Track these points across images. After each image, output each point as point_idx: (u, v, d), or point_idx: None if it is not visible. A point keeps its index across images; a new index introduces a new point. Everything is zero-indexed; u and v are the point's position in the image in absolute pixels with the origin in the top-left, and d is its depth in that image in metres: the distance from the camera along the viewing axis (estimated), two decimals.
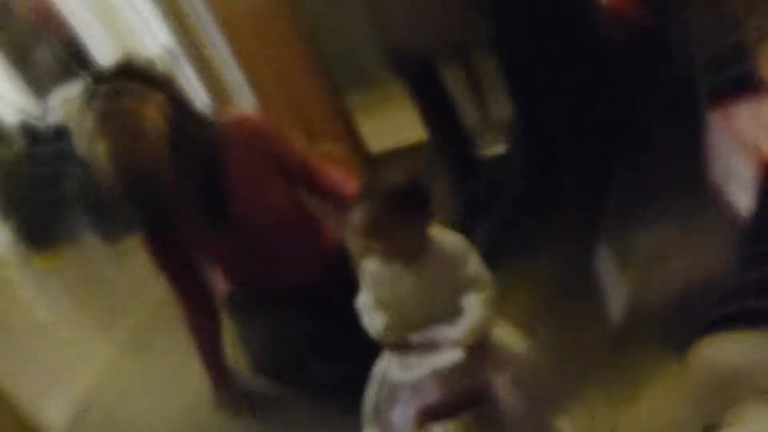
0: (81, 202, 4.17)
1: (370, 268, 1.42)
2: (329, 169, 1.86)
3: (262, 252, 1.81)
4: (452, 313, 1.35)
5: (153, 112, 1.52)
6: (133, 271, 3.56)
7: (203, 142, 1.65)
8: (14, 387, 2.38)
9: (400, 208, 1.30)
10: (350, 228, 1.34)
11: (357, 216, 1.31)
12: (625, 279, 1.85)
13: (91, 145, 1.50)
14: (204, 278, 1.90)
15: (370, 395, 1.46)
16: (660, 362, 1.64)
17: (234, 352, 2.11)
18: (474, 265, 1.36)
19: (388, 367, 1.38)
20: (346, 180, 1.82)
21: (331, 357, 1.85)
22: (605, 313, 1.86)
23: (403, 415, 1.35)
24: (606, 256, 1.96)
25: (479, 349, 1.32)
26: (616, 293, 1.84)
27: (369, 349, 1.48)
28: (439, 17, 2.16)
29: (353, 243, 1.52)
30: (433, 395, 1.31)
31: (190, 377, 2.49)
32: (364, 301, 1.42)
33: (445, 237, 1.38)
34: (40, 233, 4.55)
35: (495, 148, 2.99)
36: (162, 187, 1.60)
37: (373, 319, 1.38)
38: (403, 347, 1.36)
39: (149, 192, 1.60)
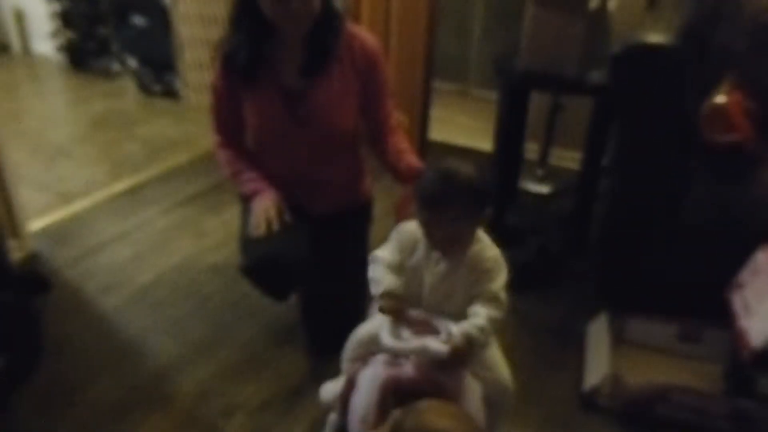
0: (135, 46, 4.19)
1: (408, 235, 1.42)
2: (400, 135, 1.90)
3: (304, 164, 1.86)
4: (457, 313, 1.36)
5: None
6: (154, 133, 3.63)
7: (332, 23, 1.77)
8: (16, 175, 2.42)
9: (468, 195, 1.30)
10: (415, 191, 1.35)
11: (427, 182, 1.32)
12: (611, 353, 1.87)
13: None
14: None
15: (353, 344, 1.49)
16: None
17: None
18: (499, 283, 1.36)
19: (379, 328, 1.38)
20: (410, 151, 1.86)
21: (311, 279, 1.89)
22: (584, 375, 1.89)
23: (370, 375, 1.37)
24: (603, 326, 1.98)
25: (465, 355, 1.31)
26: (598, 361, 1.87)
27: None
28: (575, 56, 2.27)
29: (405, 209, 1.53)
30: (407, 372, 1.33)
31: (178, 244, 2.56)
32: (382, 256, 1.42)
33: (487, 246, 1.39)
34: (86, 57, 4.57)
35: (537, 187, 3.03)
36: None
37: (380, 278, 1.38)
38: (395, 314, 1.35)
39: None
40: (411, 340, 1.31)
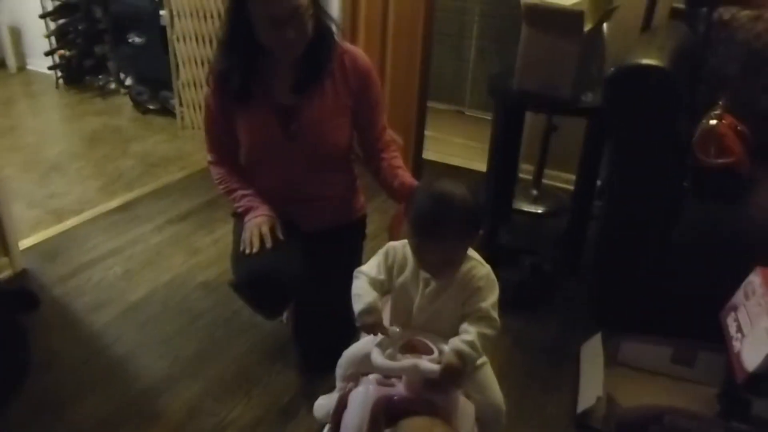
0: (132, 64, 4.19)
1: (396, 253, 1.41)
2: (395, 152, 1.90)
3: (298, 180, 1.87)
4: (448, 332, 1.34)
5: None
6: (149, 150, 3.62)
7: (325, 41, 1.78)
8: (9, 191, 2.41)
9: (461, 221, 1.28)
10: (407, 215, 1.34)
11: (419, 208, 1.30)
12: (605, 375, 1.86)
13: None
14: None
15: (345, 363, 1.48)
16: None
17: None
18: (490, 301, 1.35)
19: (371, 346, 1.37)
20: (404, 168, 1.86)
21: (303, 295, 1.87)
22: (577, 396, 1.87)
23: (362, 395, 1.35)
24: (597, 347, 1.97)
25: (457, 373, 1.29)
26: (592, 383, 1.85)
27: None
28: (569, 77, 2.27)
29: (399, 227, 1.53)
30: (399, 392, 1.31)
31: (170, 262, 2.55)
32: (366, 272, 1.40)
33: (478, 264, 1.38)
34: (82, 74, 4.58)
35: (531, 207, 3.03)
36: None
37: (361, 293, 1.36)
38: (373, 330, 1.34)
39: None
40: (402, 360, 1.30)
